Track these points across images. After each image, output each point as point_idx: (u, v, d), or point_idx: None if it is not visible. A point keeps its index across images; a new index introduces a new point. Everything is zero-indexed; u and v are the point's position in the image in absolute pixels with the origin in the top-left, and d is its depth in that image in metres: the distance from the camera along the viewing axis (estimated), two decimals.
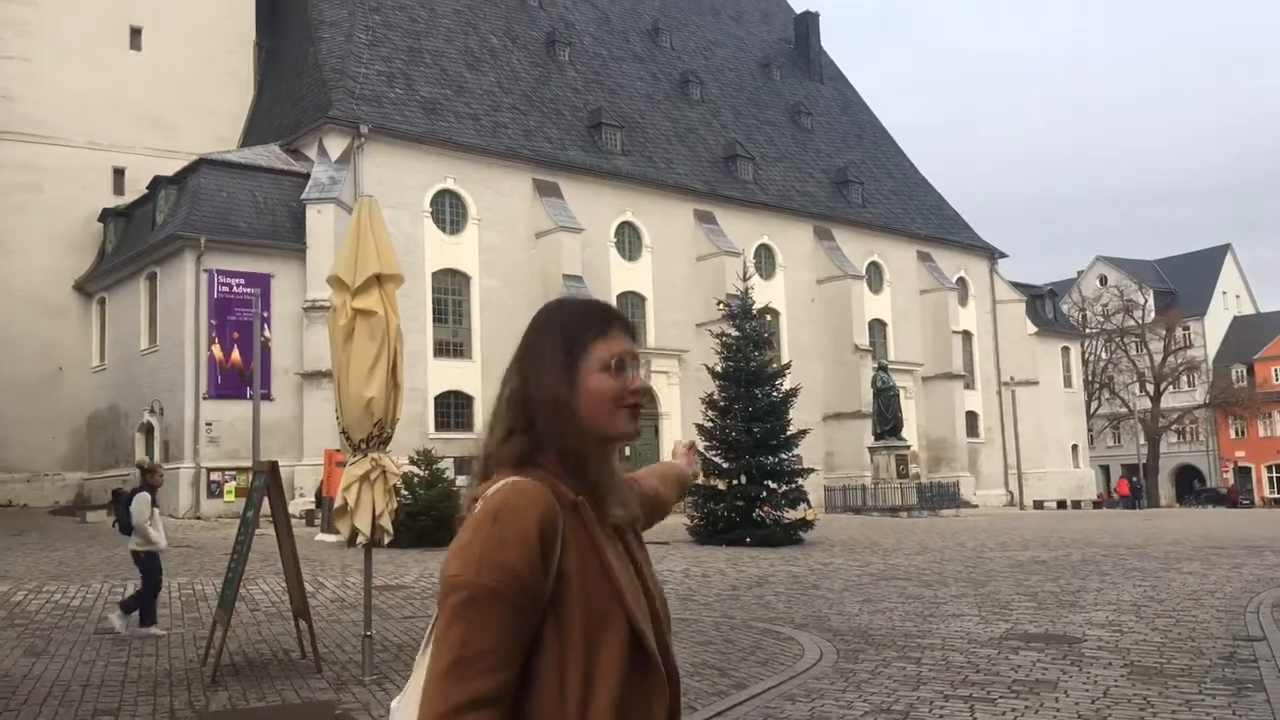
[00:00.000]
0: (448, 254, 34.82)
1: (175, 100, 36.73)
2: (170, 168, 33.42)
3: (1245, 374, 72.54)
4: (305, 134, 33.59)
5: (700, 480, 24.52)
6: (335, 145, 32.71)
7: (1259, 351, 72.66)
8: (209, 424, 29.19)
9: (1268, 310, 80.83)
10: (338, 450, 24.26)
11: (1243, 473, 72.19)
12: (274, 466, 8.97)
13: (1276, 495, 69.60)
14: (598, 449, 1.75)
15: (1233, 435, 73.30)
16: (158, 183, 32.66)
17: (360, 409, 7.93)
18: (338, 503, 8.01)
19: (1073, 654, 9.31)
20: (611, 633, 1.61)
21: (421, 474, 21.81)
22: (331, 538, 21.90)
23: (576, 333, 1.79)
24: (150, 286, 32.24)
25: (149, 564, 10.66)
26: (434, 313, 34.47)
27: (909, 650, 9.53)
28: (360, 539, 8.00)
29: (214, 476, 28.84)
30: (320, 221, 30.75)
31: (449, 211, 35.36)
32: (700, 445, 24.44)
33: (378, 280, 8.13)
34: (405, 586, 14.73)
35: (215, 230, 30.03)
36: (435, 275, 34.56)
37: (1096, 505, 54.10)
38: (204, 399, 29.26)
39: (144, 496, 10.52)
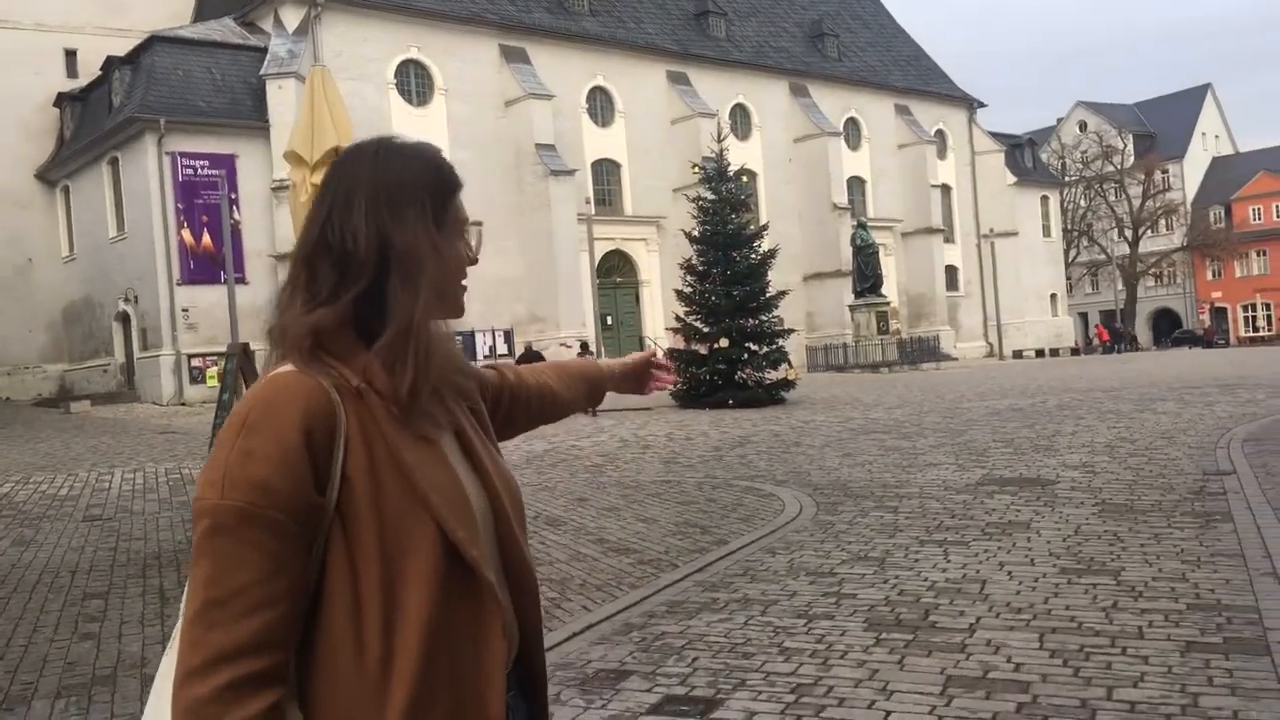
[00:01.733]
0: (415, 127, 33.92)
1: None
2: (123, 47, 32.23)
3: (1223, 215, 72.55)
4: (259, 5, 32.34)
5: (682, 345, 24.65)
6: (292, 16, 31.53)
7: (1237, 191, 72.51)
8: (185, 310, 28.97)
9: (1247, 149, 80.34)
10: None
11: (1219, 313, 72.99)
12: (245, 348, 8.92)
13: (1251, 334, 70.58)
14: (431, 329, 1.43)
15: (1210, 277, 73.80)
16: (111, 64, 31.56)
17: None
18: None
19: (1046, 495, 9.52)
20: (417, 546, 1.33)
21: None
22: None
23: (445, 185, 1.47)
24: (113, 172, 31.51)
25: None
26: None
27: (886, 500, 9.73)
28: None
29: (195, 362, 28.77)
30: (281, 97, 29.87)
31: (414, 82, 34.40)
32: (680, 310, 24.55)
33: (336, 153, 7.87)
34: None
35: (174, 111, 29.18)
36: None
37: (1075, 353, 54.80)
38: (178, 285, 28.95)
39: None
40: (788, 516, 9.10)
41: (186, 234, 28.70)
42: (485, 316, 34.25)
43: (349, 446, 1.34)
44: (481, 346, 33.12)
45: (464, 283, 1.51)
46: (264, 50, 30.84)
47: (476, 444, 1.50)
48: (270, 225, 30.10)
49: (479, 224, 1.53)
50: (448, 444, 1.45)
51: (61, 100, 34.55)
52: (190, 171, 28.97)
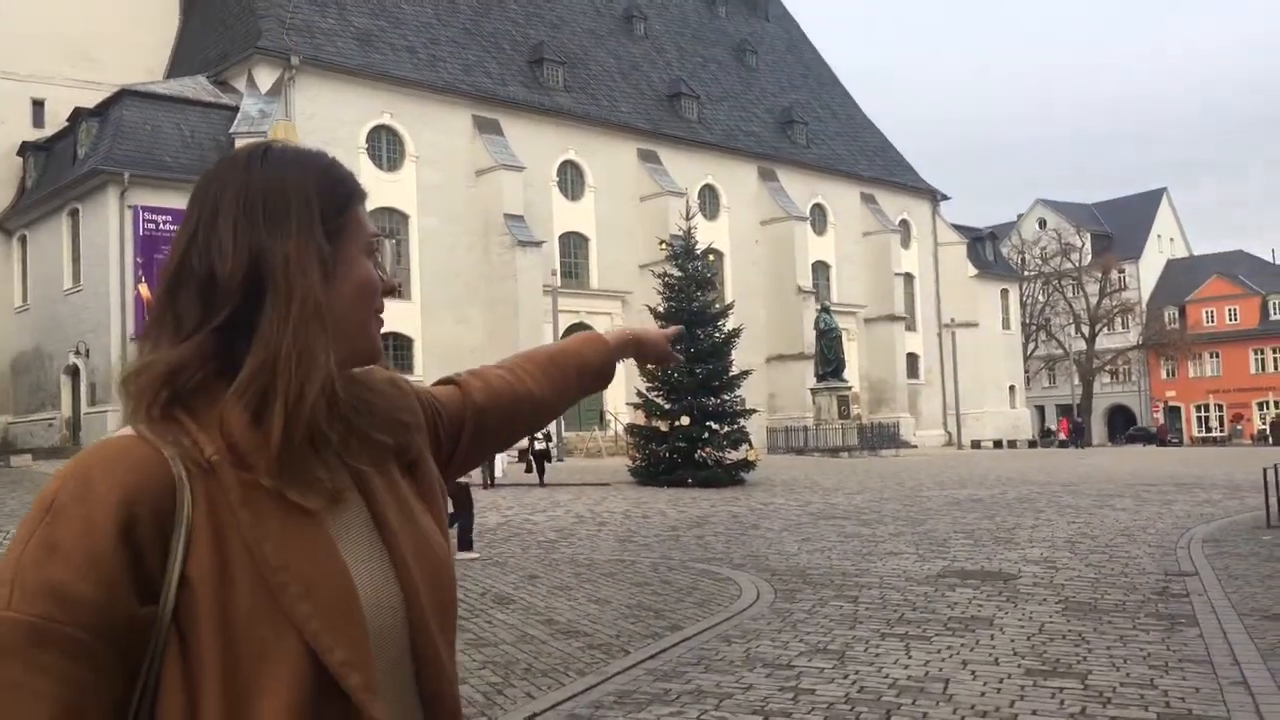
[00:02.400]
0: (385, 192, 33.92)
1: (97, 29, 35.13)
2: (93, 99, 32.05)
3: (1177, 316, 74.05)
4: (234, 65, 32.38)
5: (642, 421, 24.40)
6: (265, 77, 31.58)
7: (1191, 293, 74.13)
8: None
9: (1201, 253, 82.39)
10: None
11: (1173, 412, 74.01)
12: None
13: (1204, 434, 71.54)
14: (319, 366, 1.07)
15: (1164, 376, 74.99)
16: (79, 115, 31.33)
17: None
18: None
19: (1008, 590, 9.31)
20: (278, 671, 1.00)
21: None
22: None
23: (340, 190, 1.17)
24: (73, 223, 31.06)
25: (464, 496, 11.89)
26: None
27: (846, 589, 9.47)
28: None
29: None
30: None
31: (386, 148, 34.46)
32: (642, 387, 24.34)
33: None
34: None
35: (140, 165, 28.90)
36: (372, 214, 33.24)
37: (1032, 445, 55.17)
38: (131, 340, 28.34)
39: None
40: (745, 603, 8.80)
41: (144, 289, 28.21)
42: None
43: (192, 538, 1.01)
44: None
45: (378, 312, 1.17)
46: (235, 109, 30.79)
47: (392, 516, 1.13)
48: None
49: (386, 237, 1.17)
50: (344, 518, 1.10)
51: (25, 149, 34.18)
52: (152, 226, 28.60)
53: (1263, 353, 70.94)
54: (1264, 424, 67.20)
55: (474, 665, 6.61)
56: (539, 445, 25.65)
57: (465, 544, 11.87)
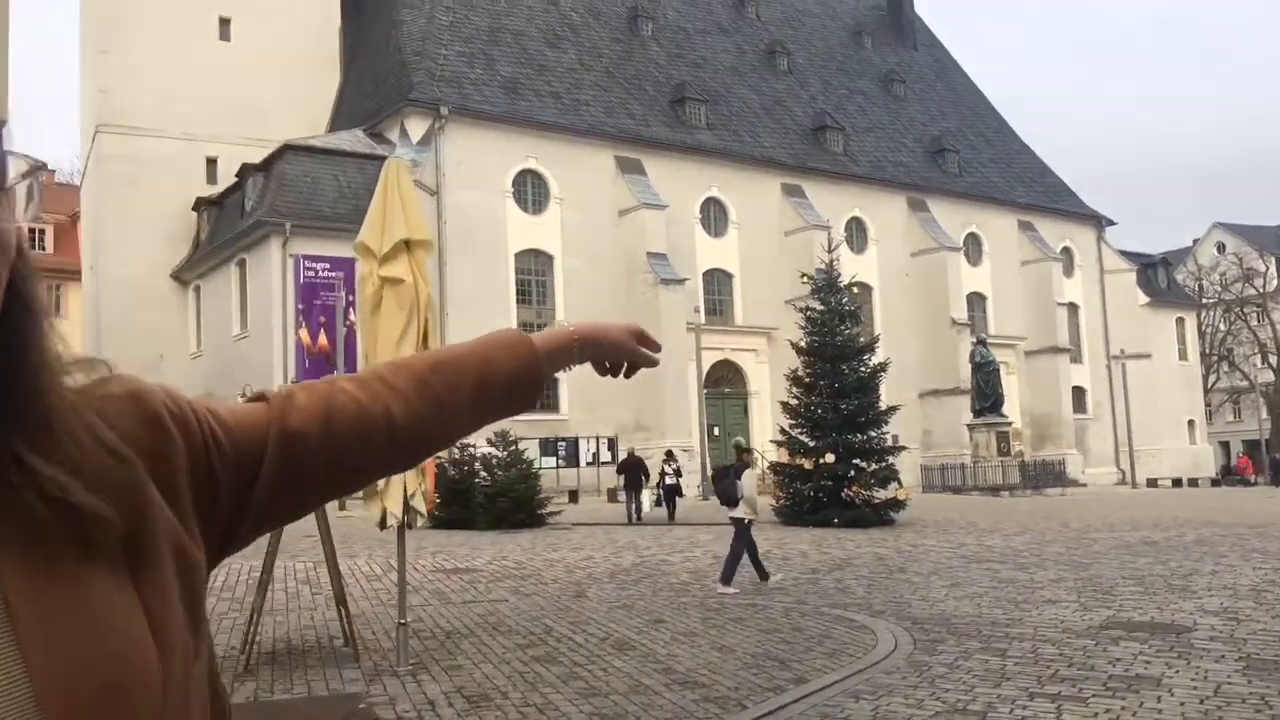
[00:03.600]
0: (530, 234, 34.58)
1: (264, 88, 37.22)
2: (260, 155, 33.88)
3: None
4: (387, 117, 33.70)
5: (786, 459, 23.73)
6: (417, 127, 32.71)
7: None
8: None
9: None
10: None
11: None
12: None
13: None
14: None
15: None
16: (245, 171, 33.13)
17: None
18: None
19: (1180, 645, 8.37)
20: None
21: (500, 455, 21.51)
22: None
23: None
24: (240, 273, 32.78)
25: (745, 531, 12.12)
26: (517, 293, 34.29)
27: (994, 641, 8.71)
28: (391, 521, 7.54)
29: None
30: None
31: (531, 191, 35.12)
32: (785, 422, 23.71)
33: (406, 246, 7.64)
34: (475, 570, 14.37)
35: (300, 216, 30.29)
36: (518, 256, 34.37)
37: (1215, 483, 51.40)
38: (292, 383, 29.58)
39: (753, 473, 12.48)
40: (879, 654, 8.18)
41: (304, 333, 29.42)
42: (590, 422, 34.03)
43: None
44: (584, 453, 32.76)
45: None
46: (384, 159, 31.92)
47: (26, 601, 0.75)
48: None
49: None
50: None
51: (199, 204, 36.38)
52: (311, 273, 29.84)
53: None
54: None
55: (579, 717, 6.28)
56: (669, 480, 25.21)
57: (726, 576, 11.98)
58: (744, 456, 12.77)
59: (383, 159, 31.76)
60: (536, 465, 27.90)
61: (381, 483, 7.46)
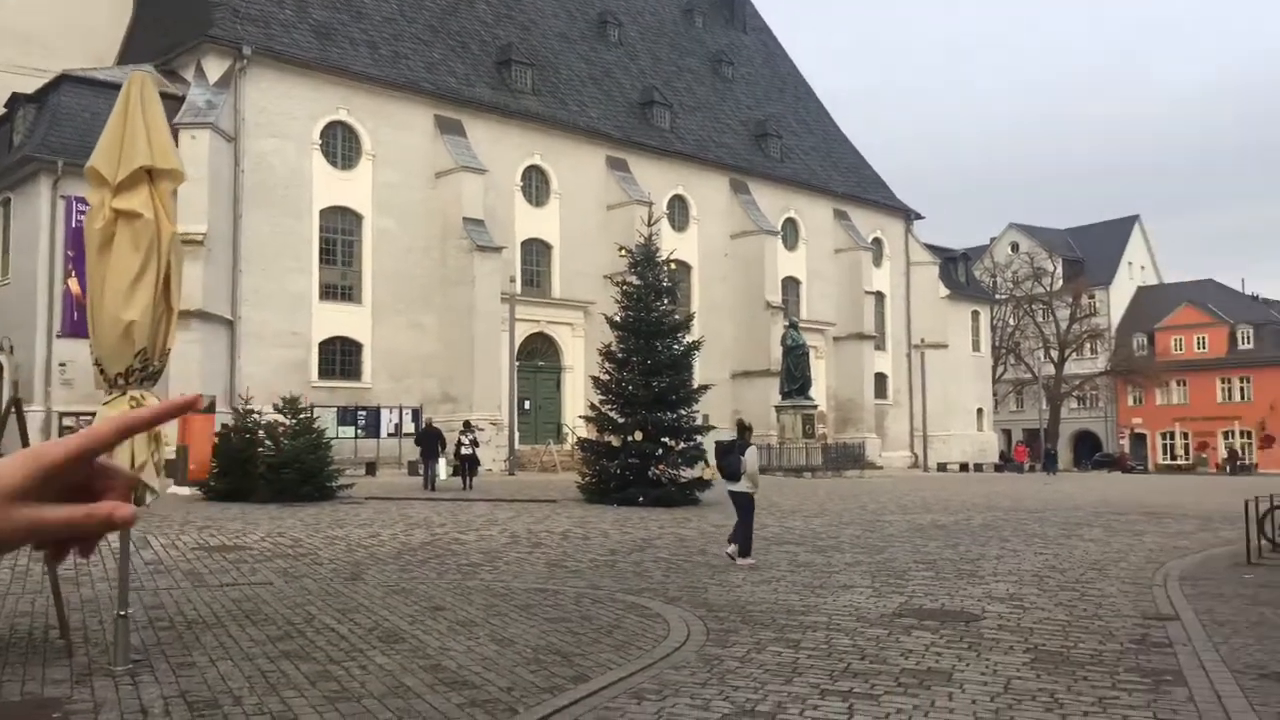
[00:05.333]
0: (338, 190, 32.70)
1: (42, 12, 33.69)
2: (35, 86, 30.58)
3: (1146, 343, 73.81)
4: (183, 54, 31.08)
5: (593, 435, 23.28)
6: (215, 67, 30.29)
7: (1160, 321, 73.93)
8: (63, 364, 26.90)
9: (1171, 281, 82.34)
10: (196, 395, 22.41)
11: (1138, 439, 73.68)
12: (15, 402, 7.29)
13: (1169, 462, 71.20)
14: None
15: (1131, 403, 74.68)
16: (15, 101, 29.87)
17: (117, 335, 6.36)
18: None
19: (970, 635, 8.25)
20: None
21: (288, 423, 20.04)
22: (185, 490, 20.09)
23: None
24: (4, 214, 29.60)
25: (748, 504, 12.48)
26: (321, 252, 32.40)
27: (789, 630, 8.35)
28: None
29: (66, 421, 26.58)
30: (194, 148, 28.40)
31: (341, 145, 33.20)
32: (595, 398, 23.20)
33: (148, 175, 6.51)
34: (244, 547, 13.13)
35: (76, 154, 27.40)
36: (324, 213, 32.45)
37: (998, 469, 54.45)
38: (58, 337, 26.92)
39: (755, 450, 12.89)
40: (670, 646, 7.66)
41: (73, 283, 26.79)
42: (394, 392, 32.63)
43: None
44: (386, 424, 31.35)
45: None
46: (182, 99, 29.43)
47: None
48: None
49: None
50: None
51: None
52: (85, 217, 27.15)
53: (1230, 382, 70.77)
54: (1239, 454, 66.87)
55: None
56: (465, 450, 25.21)
57: (742, 544, 12.50)
58: (745, 434, 13.14)
59: (175, 98, 29.35)
60: (332, 434, 26.45)
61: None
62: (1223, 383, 70.95)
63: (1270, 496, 14.32)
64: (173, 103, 29.47)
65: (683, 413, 22.84)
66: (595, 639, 7.90)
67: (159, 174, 6.62)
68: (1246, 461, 65.69)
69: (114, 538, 12.87)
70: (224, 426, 21.37)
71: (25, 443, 7.31)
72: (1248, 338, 70.48)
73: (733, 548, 12.53)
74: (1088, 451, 74.28)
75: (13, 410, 7.20)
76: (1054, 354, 71.79)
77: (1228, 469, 62.19)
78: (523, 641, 7.76)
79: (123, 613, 6.59)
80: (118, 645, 6.60)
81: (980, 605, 9.69)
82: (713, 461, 25.47)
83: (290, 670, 6.70)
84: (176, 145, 28.30)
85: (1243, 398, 70.00)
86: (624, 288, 23.58)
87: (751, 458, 12.60)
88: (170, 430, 26.81)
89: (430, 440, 25.44)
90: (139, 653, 7.04)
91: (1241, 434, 69.38)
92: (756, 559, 12.57)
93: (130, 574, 10.72)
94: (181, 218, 27.88)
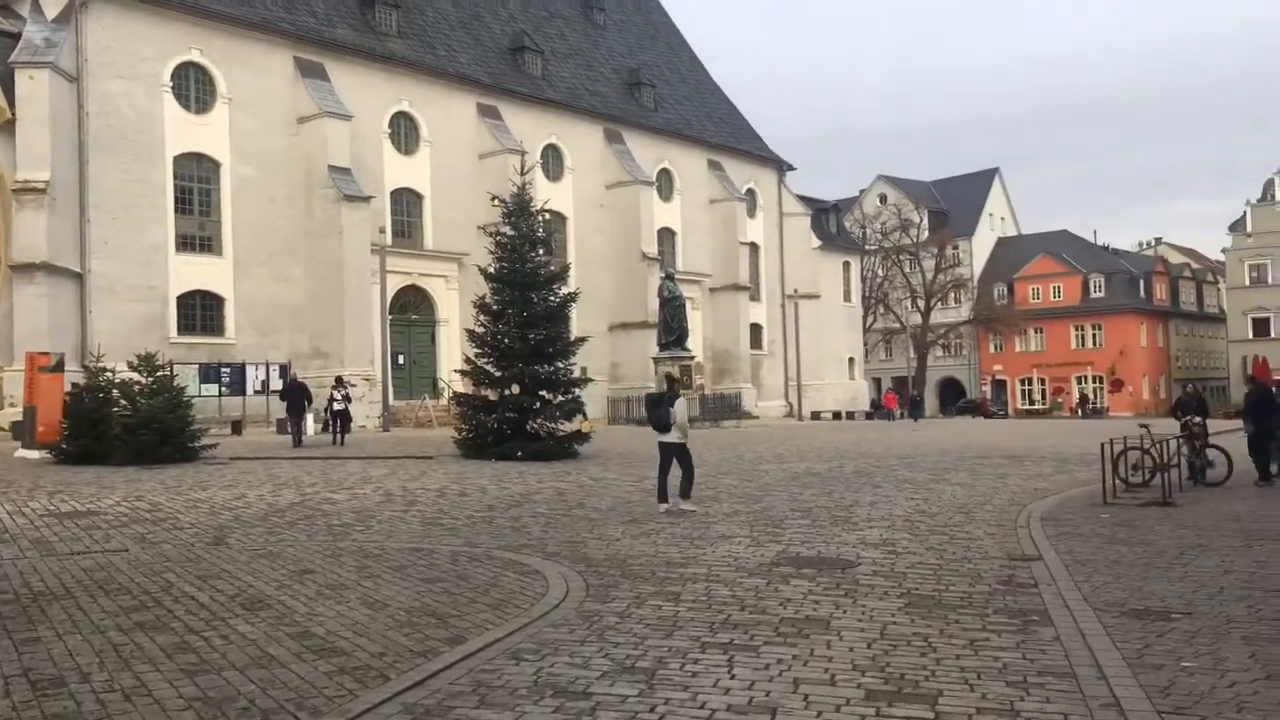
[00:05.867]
0: (192, 136, 31.03)
1: None
2: None
3: (1006, 292, 76.81)
4: None
5: (469, 389, 22.89)
6: (53, 3, 28.21)
7: (1019, 271, 76.98)
8: None
9: (1029, 232, 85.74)
10: (42, 353, 21.09)
11: (999, 385, 76.93)
12: None
13: (1028, 406, 74.58)
14: None
15: (992, 350, 77.82)
16: None
17: None
18: None
19: (846, 582, 8.34)
20: None
21: (144, 381, 19.02)
22: (34, 454, 18.94)
23: None
24: None
25: (684, 454, 12.97)
26: (176, 202, 30.77)
27: (668, 583, 8.30)
28: None
29: None
30: (34, 89, 26.55)
31: (194, 88, 31.45)
32: (471, 352, 22.75)
33: None
34: (97, 513, 12.41)
35: None
36: (178, 159, 30.78)
37: (869, 416, 56.04)
38: None
39: (684, 401, 13.20)
40: (549, 603, 7.51)
41: None
42: (260, 347, 31.44)
43: None
44: (252, 380, 30.18)
45: None
46: (18, 36, 27.35)
47: None
48: (4, 231, 26.41)
49: None
50: None
51: None
52: None
53: (1083, 329, 74.37)
54: (1091, 398, 70.46)
55: (177, 706, 5.08)
56: (337, 405, 24.83)
57: (685, 492, 13.04)
58: (674, 386, 13.58)
59: (10, 35, 27.27)
60: (194, 393, 25.34)
61: None
62: (1076, 330, 74.53)
63: (1124, 439, 14.97)
64: (7, 40, 27.43)
65: (560, 365, 22.57)
66: (472, 599, 7.69)
67: None
68: (1098, 405, 69.35)
69: (16, 514, 12.01)
70: (75, 386, 20.19)
71: None
72: (1099, 286, 74.06)
73: (664, 507, 12.80)
74: (952, 398, 77.22)
75: None
76: (920, 304, 74.05)
77: (1080, 413, 65.53)
78: (396, 604, 7.49)
79: None
80: None
81: (855, 552, 9.84)
82: (591, 415, 25.44)
83: (145, 643, 6.30)
84: (14, 86, 26.45)
85: (1095, 344, 73.70)
86: (498, 238, 23.06)
87: (681, 409, 12.97)
88: (15, 390, 25.29)
89: (296, 395, 24.87)
90: None
91: (1094, 379, 73.15)
92: (635, 514, 12.51)
93: None
94: (22, 164, 26.31)
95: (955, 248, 77.87)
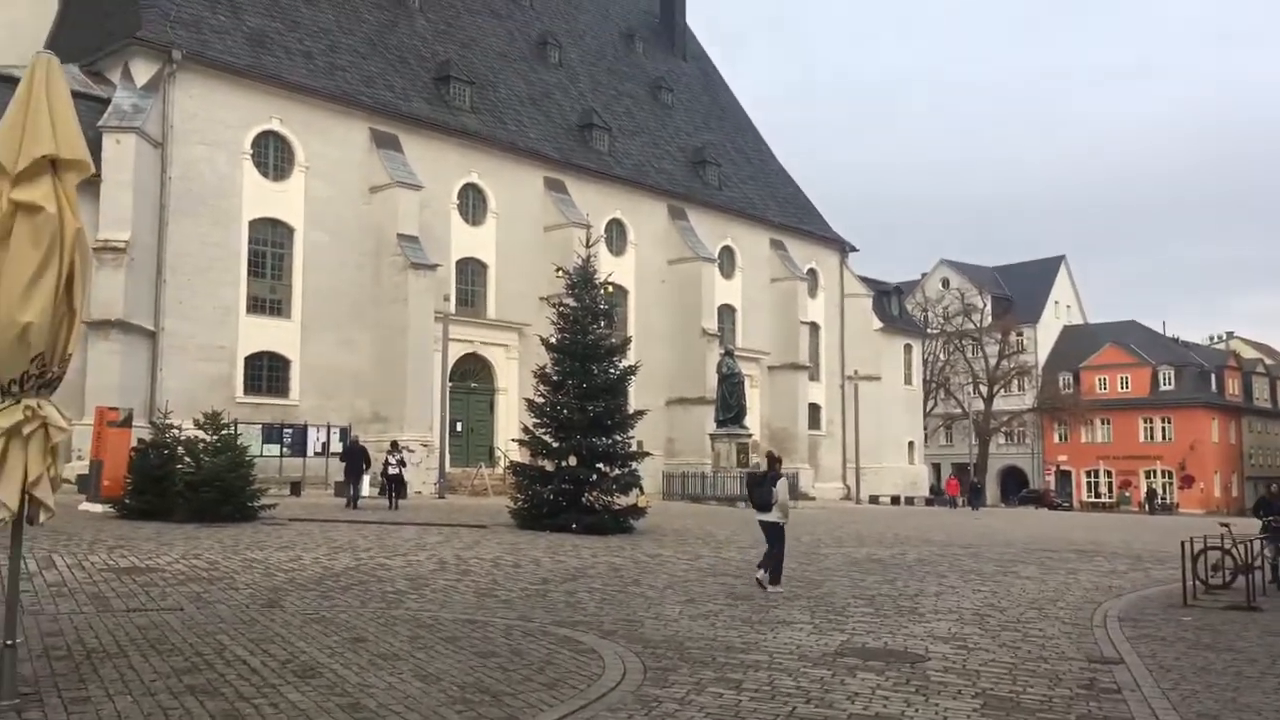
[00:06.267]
0: (269, 202, 31.82)
1: None
2: None
3: (1072, 381, 75.39)
4: (109, 56, 30.03)
5: (526, 459, 22.79)
6: (143, 71, 29.32)
7: (1085, 360, 75.61)
8: None
9: (1096, 321, 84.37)
10: (111, 408, 21.41)
11: (1064, 476, 75.07)
12: None
13: (1093, 499, 72.58)
14: None
15: (1057, 439, 76.14)
16: None
17: (12, 338, 5.79)
18: None
19: (917, 677, 7.96)
20: None
21: (208, 439, 19.20)
22: (98, 508, 19.11)
23: None
24: None
25: (778, 534, 12.93)
26: (250, 265, 31.43)
27: (729, 669, 7.99)
28: (2, 514, 5.82)
29: None
30: (119, 153, 27.43)
31: (273, 156, 32.33)
32: (529, 421, 22.70)
33: (52, 166, 5.97)
34: (156, 569, 12.39)
35: None
36: (254, 224, 31.53)
37: (929, 502, 54.90)
38: None
39: (785, 481, 13.23)
40: (604, 686, 7.24)
41: None
42: (323, 410, 31.73)
43: None
44: (313, 442, 30.42)
45: None
46: (107, 102, 28.41)
47: None
48: (90, 288, 27.12)
49: None
50: None
51: None
52: None
53: (1151, 421, 72.54)
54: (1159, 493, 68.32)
55: None
56: (392, 470, 25.18)
57: (775, 574, 12.94)
58: (776, 466, 13.63)
59: (100, 100, 28.34)
60: (256, 452, 25.58)
61: None
62: (1145, 422, 72.71)
63: (1204, 538, 14.35)
64: (98, 105, 28.48)
65: (618, 438, 22.41)
66: (526, 676, 7.45)
67: (64, 165, 6.06)
68: (1167, 501, 67.26)
69: (76, 568, 12.08)
70: (140, 441, 20.44)
71: None
72: (1169, 379, 72.40)
73: (762, 573, 12.87)
74: (1014, 487, 75.48)
75: None
76: (983, 389, 72.94)
77: (1148, 508, 63.57)
78: (449, 678, 7.28)
79: (10, 642, 5.97)
80: (3, 678, 5.98)
81: (924, 645, 9.43)
82: (646, 489, 25.15)
83: (194, 707, 6.15)
84: (101, 148, 27.26)
85: (1164, 438, 71.78)
86: (560, 309, 23.16)
87: (782, 488, 13.02)
88: (84, 444, 25.70)
89: (355, 458, 25.23)
90: (29, 685, 6.42)
91: (1162, 473, 71.07)
92: (693, 593, 12.20)
93: (29, 598, 10.00)
94: (104, 224, 27.08)
95: (1019, 334, 76.87)
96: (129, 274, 27.53)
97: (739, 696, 7.08)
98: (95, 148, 27.57)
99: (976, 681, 7.90)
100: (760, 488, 13.14)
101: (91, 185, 27.27)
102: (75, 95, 25.35)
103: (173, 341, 29.23)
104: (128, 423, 21.09)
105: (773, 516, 12.95)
